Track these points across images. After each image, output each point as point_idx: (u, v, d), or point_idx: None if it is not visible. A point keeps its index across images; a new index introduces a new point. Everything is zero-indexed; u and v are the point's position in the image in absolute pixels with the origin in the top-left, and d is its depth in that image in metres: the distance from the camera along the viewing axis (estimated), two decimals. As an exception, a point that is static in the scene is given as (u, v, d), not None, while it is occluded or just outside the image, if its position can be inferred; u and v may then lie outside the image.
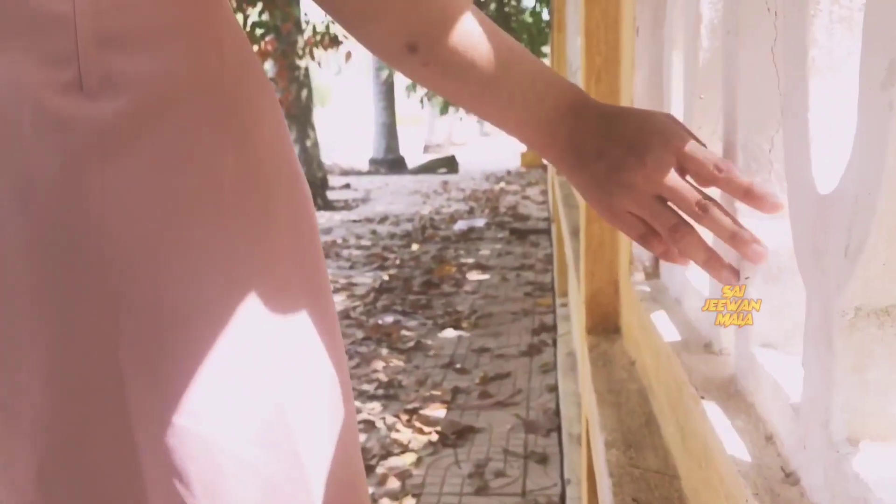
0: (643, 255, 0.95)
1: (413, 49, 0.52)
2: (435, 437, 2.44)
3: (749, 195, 0.51)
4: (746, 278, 0.55)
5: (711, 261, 0.53)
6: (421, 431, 2.47)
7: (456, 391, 2.83)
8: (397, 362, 3.18)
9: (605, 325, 1.07)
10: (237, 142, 0.49)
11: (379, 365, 3.15)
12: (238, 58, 0.51)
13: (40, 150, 0.43)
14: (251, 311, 0.48)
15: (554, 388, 2.82)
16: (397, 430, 2.49)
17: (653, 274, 0.94)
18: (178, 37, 0.47)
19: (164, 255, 0.45)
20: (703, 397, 0.56)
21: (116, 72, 0.44)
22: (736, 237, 0.51)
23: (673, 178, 0.52)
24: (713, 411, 0.54)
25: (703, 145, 0.54)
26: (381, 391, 2.86)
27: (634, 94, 0.92)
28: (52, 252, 0.44)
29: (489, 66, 0.53)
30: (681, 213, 0.52)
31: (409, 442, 2.42)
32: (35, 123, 0.43)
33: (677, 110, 0.83)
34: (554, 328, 3.54)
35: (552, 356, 3.20)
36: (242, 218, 0.49)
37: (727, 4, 0.61)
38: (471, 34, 0.53)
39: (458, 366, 3.11)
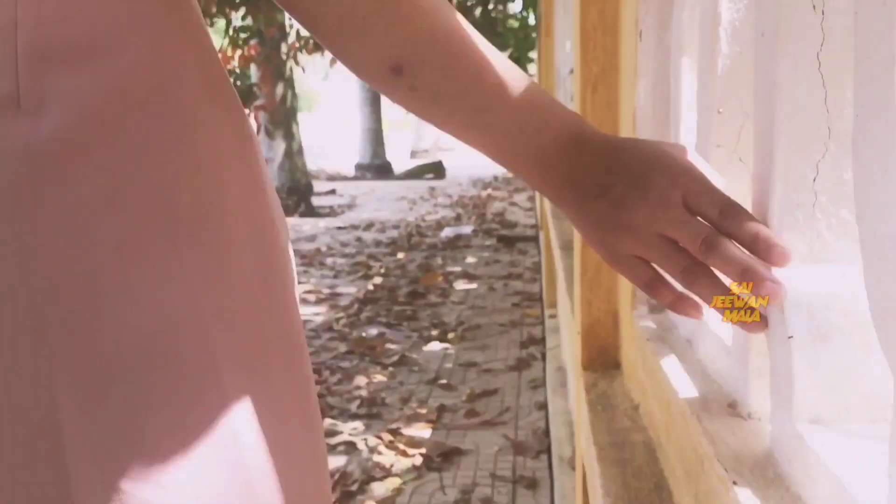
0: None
1: (397, 71, 0.49)
2: (419, 460, 2.33)
3: (755, 243, 0.46)
4: (790, 337, 0.45)
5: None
6: (405, 454, 2.36)
7: (442, 409, 2.72)
8: (381, 378, 3.07)
9: (602, 359, 0.96)
10: (195, 169, 0.43)
11: (362, 381, 3.04)
12: (203, 79, 0.46)
13: None
14: (207, 360, 0.42)
15: (543, 406, 2.72)
16: (379, 453, 2.38)
17: (659, 307, 0.84)
18: (131, 52, 0.41)
19: (106, 297, 0.40)
20: (735, 483, 0.45)
21: (58, 88, 0.39)
22: (747, 273, 0.45)
23: (678, 216, 0.48)
24: (749, 502, 0.44)
25: (718, 180, 0.49)
26: (363, 409, 2.75)
27: (637, 107, 0.82)
28: None
29: (483, 92, 0.50)
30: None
31: (392, 465, 2.31)
32: None
33: (688, 126, 0.73)
34: (542, 341, 3.44)
35: (541, 371, 3.10)
36: (199, 253, 0.43)
37: (758, 3, 0.50)
38: (463, 56, 0.49)
39: (444, 381, 3.00)
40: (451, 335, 3.60)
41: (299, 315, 0.52)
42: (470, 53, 0.49)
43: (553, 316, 3.71)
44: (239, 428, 0.43)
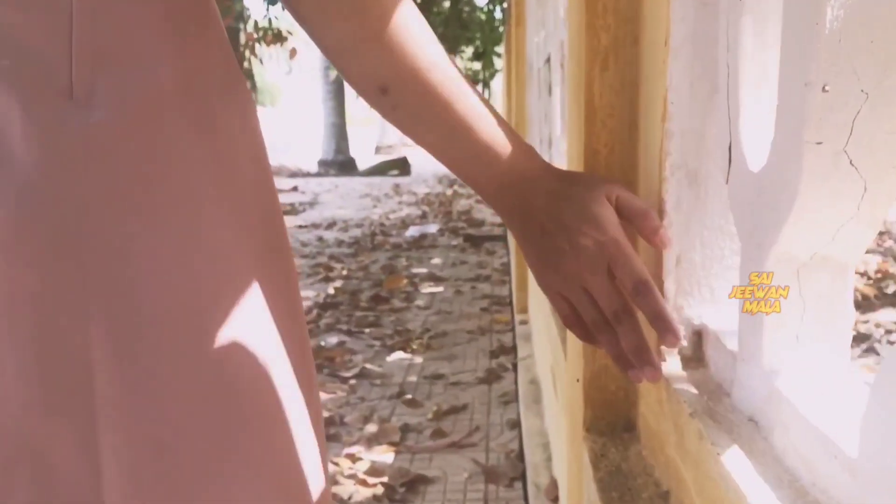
0: (679, 322, 0.64)
1: (384, 91, 0.56)
2: (380, 490, 2.10)
3: (655, 321, 0.56)
4: None
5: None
6: (364, 483, 2.13)
7: (406, 429, 2.49)
8: (340, 393, 2.83)
9: (610, 418, 0.74)
10: (216, 158, 0.50)
11: (321, 396, 2.79)
12: (224, 78, 0.52)
13: (27, 151, 0.44)
14: (224, 324, 0.48)
15: (516, 425, 2.50)
16: (337, 483, 2.14)
17: (696, 360, 0.62)
18: (168, 56, 0.48)
19: (142, 258, 0.46)
20: None
21: (105, 84, 0.45)
22: (636, 352, 0.56)
23: (600, 283, 0.57)
24: None
25: (654, 227, 0.59)
26: (320, 430, 2.51)
27: (668, 88, 0.60)
28: (32, 248, 0.44)
29: (453, 120, 0.56)
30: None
31: (351, 497, 2.07)
32: (24, 126, 0.44)
33: (755, 114, 0.51)
34: (513, 350, 3.23)
35: (512, 383, 2.89)
36: (219, 231, 0.49)
37: None
38: (442, 86, 0.55)
39: (409, 396, 2.77)
40: (415, 344, 3.37)
41: (296, 278, 0.57)
42: (447, 86, 0.56)
43: (524, 322, 3.51)
44: (243, 385, 0.49)
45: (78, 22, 0.44)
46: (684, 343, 0.63)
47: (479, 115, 0.57)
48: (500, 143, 0.57)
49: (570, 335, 0.91)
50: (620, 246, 0.56)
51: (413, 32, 0.54)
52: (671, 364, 0.63)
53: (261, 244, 0.51)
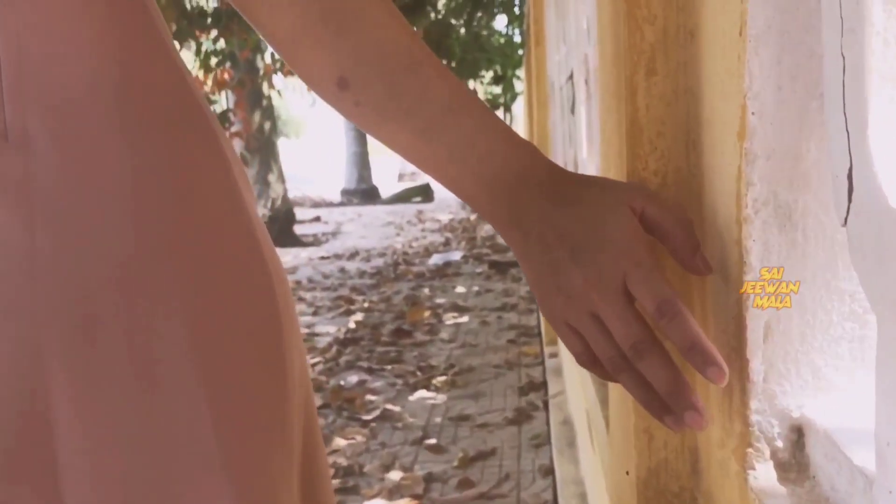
0: (771, 415, 0.46)
1: (344, 85, 0.48)
2: (403, 552, 1.92)
3: (690, 353, 0.43)
4: None
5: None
6: (385, 544, 1.95)
7: (429, 479, 2.31)
8: (360, 438, 2.65)
9: (673, 528, 0.57)
10: (176, 197, 0.44)
11: (339, 442, 2.62)
12: (179, 111, 0.46)
13: None
14: (187, 370, 0.43)
15: (549, 472, 2.31)
16: (355, 543, 1.96)
17: (796, 468, 0.45)
18: (106, 91, 0.43)
19: (98, 300, 0.41)
20: None
21: (40, 125, 0.41)
22: (671, 397, 0.44)
23: (614, 304, 0.44)
24: None
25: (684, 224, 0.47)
26: (336, 480, 2.33)
27: (749, 92, 0.43)
28: None
29: (427, 114, 0.48)
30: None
31: (370, 560, 1.90)
32: None
33: (893, 117, 0.34)
34: (544, 386, 3.04)
35: (543, 424, 2.70)
36: (183, 291, 0.43)
37: None
38: (410, 75, 0.48)
39: (433, 441, 2.59)
40: (439, 381, 3.19)
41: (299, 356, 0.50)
42: (418, 73, 0.48)
43: (554, 355, 3.32)
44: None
45: (5, 65, 0.41)
46: (757, 420, 0.45)
47: (462, 107, 0.48)
48: (490, 139, 0.48)
49: (612, 388, 0.74)
50: (638, 258, 0.44)
51: (373, 11, 0.47)
52: (761, 471, 0.46)
53: (234, 291, 0.45)
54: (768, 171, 0.44)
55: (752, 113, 0.43)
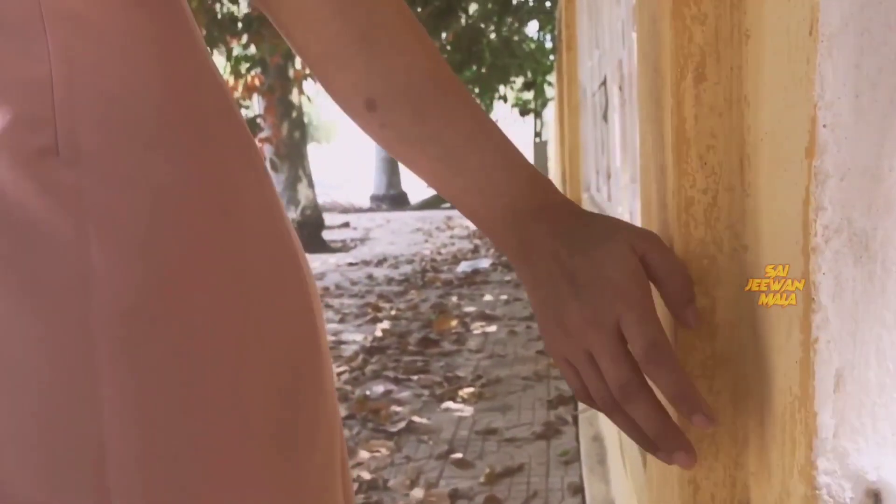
0: (842, 476, 0.39)
1: (371, 106, 0.50)
2: (426, 572, 1.86)
3: (675, 401, 0.44)
4: None
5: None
6: (408, 564, 1.89)
7: (455, 495, 2.25)
8: (384, 451, 2.60)
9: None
10: (219, 210, 0.46)
11: (363, 455, 2.57)
12: (219, 123, 0.48)
13: (21, 207, 0.41)
14: (235, 369, 0.45)
15: (579, 490, 2.24)
16: (377, 562, 1.91)
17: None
18: (151, 106, 0.45)
19: (151, 312, 0.42)
20: None
21: (91, 138, 0.43)
22: (658, 439, 0.45)
23: (606, 345, 0.45)
24: None
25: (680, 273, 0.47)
26: (360, 496, 2.28)
27: (820, 101, 0.37)
28: (35, 306, 0.41)
29: (450, 142, 0.49)
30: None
31: (392, 580, 1.84)
32: (16, 182, 0.41)
33: None
34: (573, 399, 2.97)
35: (573, 439, 2.62)
36: (228, 299, 0.45)
37: None
38: (435, 102, 0.49)
39: (459, 455, 2.52)
40: (466, 392, 3.13)
41: (328, 358, 0.52)
42: (443, 100, 0.49)
43: (584, 367, 3.24)
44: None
45: (57, 84, 0.42)
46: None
47: (483, 137, 0.49)
48: (508, 175, 0.50)
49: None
50: (633, 301, 0.45)
51: (404, 37, 0.49)
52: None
53: (269, 293, 0.47)
54: (842, 194, 0.37)
55: (824, 125, 0.37)
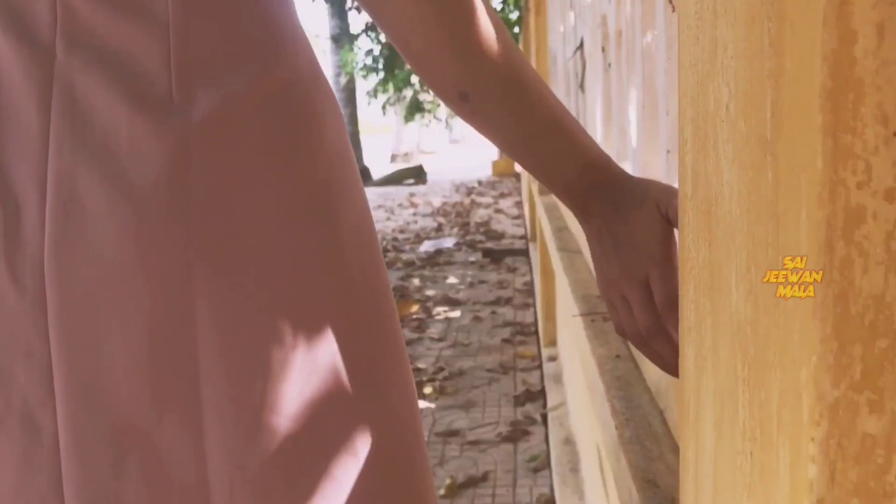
0: None
1: (464, 98, 0.57)
2: None
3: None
4: None
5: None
6: None
7: (412, 511, 2.00)
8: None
9: None
10: (309, 153, 0.53)
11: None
12: (309, 73, 0.56)
13: (133, 151, 0.47)
14: (316, 306, 0.52)
15: (550, 503, 2.00)
16: None
17: None
18: (260, 57, 0.52)
19: (244, 247, 0.49)
20: None
21: (205, 88, 0.49)
22: (675, 371, 0.54)
23: (636, 293, 0.56)
24: None
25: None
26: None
27: None
28: (144, 243, 0.47)
29: (531, 127, 0.58)
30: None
31: None
32: (131, 128, 0.48)
33: None
34: (542, 394, 2.74)
35: (542, 442, 2.39)
36: (313, 229, 0.53)
37: None
38: (520, 94, 0.57)
39: (417, 462, 2.28)
40: (427, 388, 2.89)
41: (385, 272, 0.61)
42: (526, 92, 0.57)
43: (553, 358, 3.00)
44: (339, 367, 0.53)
45: (174, 34, 0.49)
46: None
47: (557, 128, 0.58)
48: (575, 158, 0.59)
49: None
50: (659, 260, 0.55)
51: (494, 40, 0.55)
52: None
53: (352, 243, 0.55)
54: None
55: None
